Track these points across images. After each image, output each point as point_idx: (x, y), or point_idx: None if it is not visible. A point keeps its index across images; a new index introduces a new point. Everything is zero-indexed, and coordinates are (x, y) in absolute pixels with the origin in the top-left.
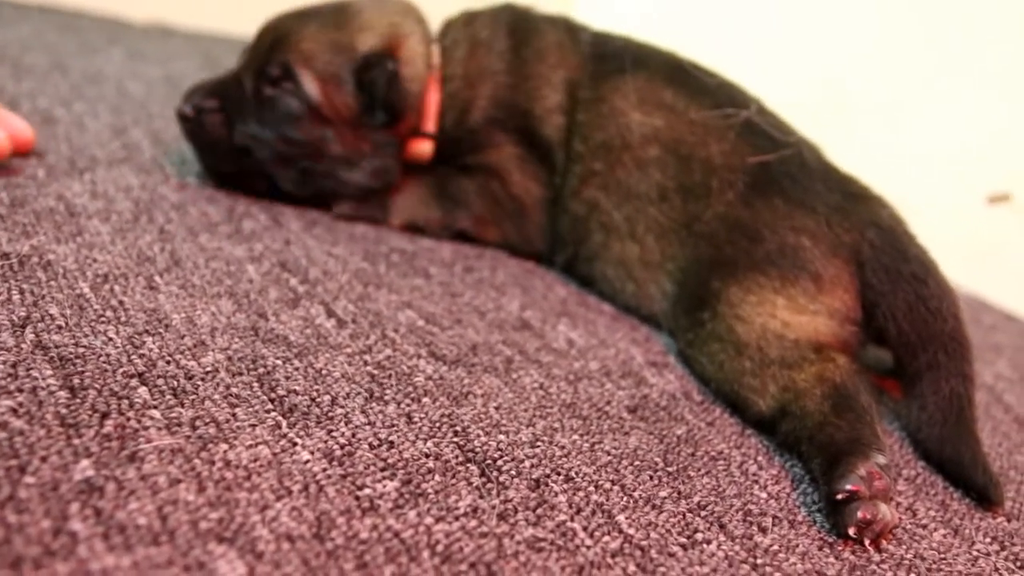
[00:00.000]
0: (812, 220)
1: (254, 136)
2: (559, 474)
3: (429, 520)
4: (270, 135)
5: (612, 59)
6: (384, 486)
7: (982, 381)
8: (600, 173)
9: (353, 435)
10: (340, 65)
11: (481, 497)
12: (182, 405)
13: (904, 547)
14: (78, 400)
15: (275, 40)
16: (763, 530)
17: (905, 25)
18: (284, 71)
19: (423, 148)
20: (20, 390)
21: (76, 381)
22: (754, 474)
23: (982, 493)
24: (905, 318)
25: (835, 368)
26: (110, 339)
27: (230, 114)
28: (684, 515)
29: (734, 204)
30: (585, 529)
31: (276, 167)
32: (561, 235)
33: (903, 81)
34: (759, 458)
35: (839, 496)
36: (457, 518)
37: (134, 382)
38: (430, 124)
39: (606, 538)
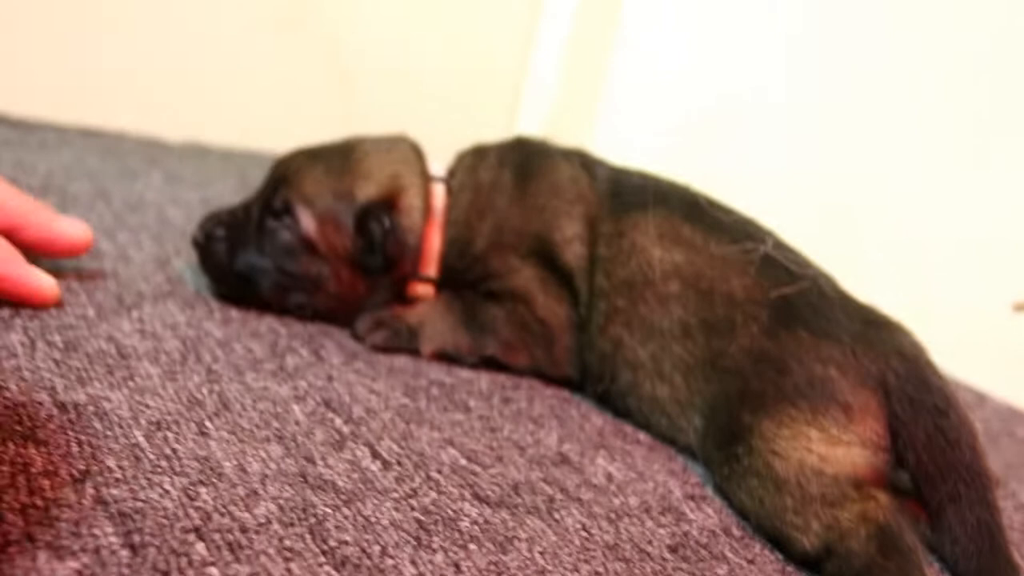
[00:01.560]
0: (838, 350)
1: (253, 265)
2: None
3: None
4: (269, 265)
5: (630, 194)
6: None
7: (1018, 501)
8: (623, 310)
9: None
10: (339, 210)
11: None
12: (239, 560)
13: None
14: (139, 559)
15: (283, 176)
16: None
17: (932, 126)
18: (285, 206)
19: (424, 291)
20: (84, 550)
21: (136, 538)
22: None
23: None
24: (924, 448)
25: (877, 507)
26: (166, 491)
27: (234, 243)
28: None
29: (758, 337)
30: None
31: (274, 296)
32: (591, 369)
33: (929, 184)
34: None
35: None
36: None
37: (191, 537)
38: (431, 268)
39: None
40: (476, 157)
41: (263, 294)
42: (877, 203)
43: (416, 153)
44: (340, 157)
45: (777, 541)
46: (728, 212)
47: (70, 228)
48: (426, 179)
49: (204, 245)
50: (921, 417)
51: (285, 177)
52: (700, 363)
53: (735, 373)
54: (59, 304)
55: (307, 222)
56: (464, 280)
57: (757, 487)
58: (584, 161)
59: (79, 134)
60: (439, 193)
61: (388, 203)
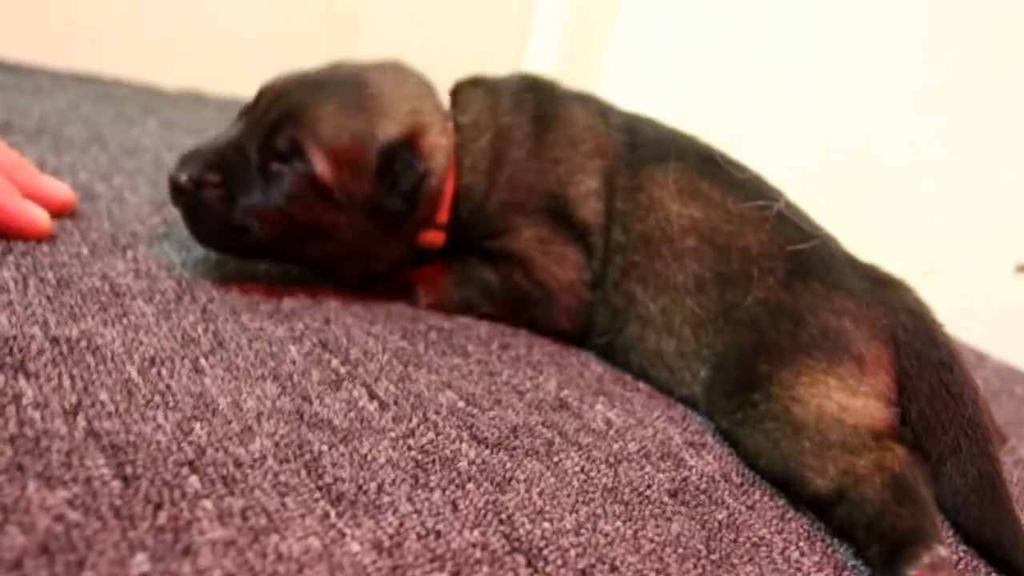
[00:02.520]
0: (851, 302)
1: (258, 214)
2: (604, 563)
3: None
4: (274, 214)
5: (647, 146)
6: None
7: (1017, 456)
8: (639, 265)
9: (401, 524)
10: (359, 151)
11: None
12: (232, 494)
13: None
14: (131, 490)
15: (286, 113)
16: None
17: (937, 94)
18: (294, 148)
19: (434, 238)
20: (75, 480)
21: (129, 470)
22: (796, 561)
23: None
24: (928, 402)
25: (894, 458)
26: (160, 425)
27: (232, 188)
28: None
29: (774, 289)
30: None
31: (277, 248)
32: (598, 323)
33: (934, 149)
34: (801, 544)
35: None
36: None
37: (185, 471)
38: (443, 214)
39: None
40: (487, 97)
41: (264, 246)
42: (881, 168)
43: (427, 86)
44: (351, 91)
45: (788, 481)
46: (741, 169)
47: (52, 187)
48: (443, 116)
49: (193, 192)
50: (926, 371)
51: (291, 113)
52: (712, 316)
53: (749, 324)
54: (52, 240)
55: (321, 165)
56: (468, 235)
57: (774, 430)
58: (599, 107)
59: (74, 80)
60: (449, 130)
61: (410, 143)
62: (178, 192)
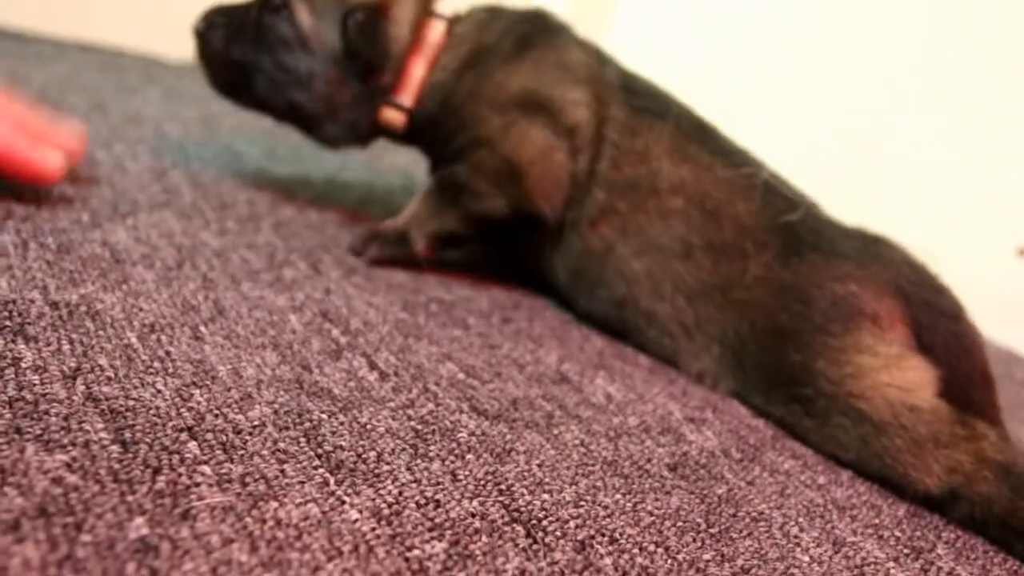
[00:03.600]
0: (851, 266)
1: (248, 56)
2: (604, 535)
3: None
4: (264, 58)
5: (643, 97)
6: (432, 547)
7: (1015, 439)
8: (620, 213)
9: (400, 493)
10: (332, 7)
11: (528, 559)
12: (231, 461)
13: None
14: (130, 455)
15: None
16: None
17: (936, 79)
18: (283, 1)
19: (395, 118)
20: (73, 444)
21: (128, 435)
22: (796, 536)
23: None
24: (943, 353)
25: (991, 447)
26: (159, 391)
27: (232, 32)
28: None
29: (773, 266)
30: None
31: (265, 90)
32: (570, 255)
33: (934, 130)
34: (800, 519)
35: None
36: None
37: (184, 436)
38: (408, 98)
39: None
40: (489, 15)
41: (255, 88)
42: (882, 150)
43: None
44: None
45: (886, 479)
46: (726, 138)
47: (64, 135)
48: (426, 6)
49: (203, 33)
50: (939, 322)
51: None
52: (708, 288)
53: (756, 307)
54: (52, 206)
55: (303, 16)
56: (435, 135)
57: (852, 427)
58: (599, 54)
59: (76, 48)
60: (438, 28)
61: (377, 10)
62: (196, 36)
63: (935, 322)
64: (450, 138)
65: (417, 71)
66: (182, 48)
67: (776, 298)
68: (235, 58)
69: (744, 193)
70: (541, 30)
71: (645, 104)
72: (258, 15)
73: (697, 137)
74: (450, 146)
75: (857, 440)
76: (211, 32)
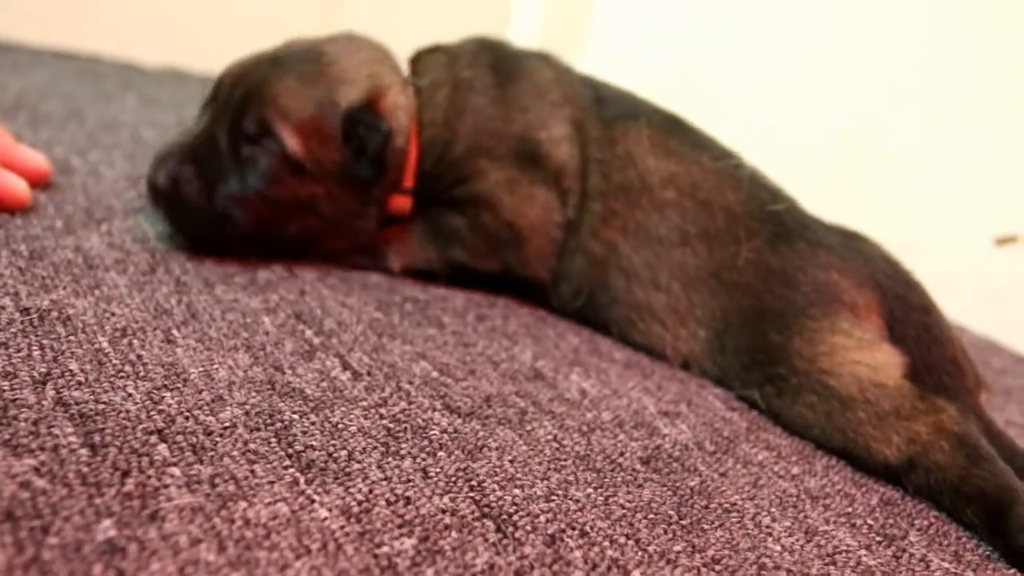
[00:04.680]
0: (834, 256)
1: (238, 200)
2: (574, 529)
3: None
4: (254, 197)
5: (613, 103)
6: (402, 543)
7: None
8: (620, 214)
9: (370, 491)
10: (323, 120)
11: (498, 554)
12: (201, 462)
13: None
14: (99, 458)
15: (248, 94)
16: None
17: (919, 70)
18: (262, 128)
19: (402, 204)
20: (42, 448)
21: (97, 438)
22: (767, 526)
23: None
24: (914, 343)
25: (949, 418)
26: (129, 395)
27: (209, 179)
28: (699, 570)
29: (763, 251)
30: None
31: (262, 231)
32: (574, 276)
33: (912, 123)
34: (772, 510)
35: None
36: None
37: (154, 439)
38: (409, 178)
39: None
40: (445, 56)
41: (249, 232)
42: (865, 143)
43: (383, 51)
44: (308, 63)
45: (848, 452)
46: (700, 131)
47: (29, 157)
48: (402, 80)
49: (171, 189)
50: (910, 315)
51: (253, 94)
52: (703, 274)
53: (744, 288)
54: (26, 213)
55: (291, 140)
56: (437, 188)
57: (819, 403)
58: (557, 64)
59: (52, 56)
60: (410, 94)
61: (372, 106)
62: (159, 194)
63: (907, 315)
64: (447, 188)
65: (412, 147)
66: (159, 53)
67: (764, 281)
68: (222, 209)
69: (732, 183)
70: (504, 55)
71: (616, 111)
72: (232, 148)
73: (674, 132)
74: (447, 193)
75: (823, 416)
76: (185, 187)
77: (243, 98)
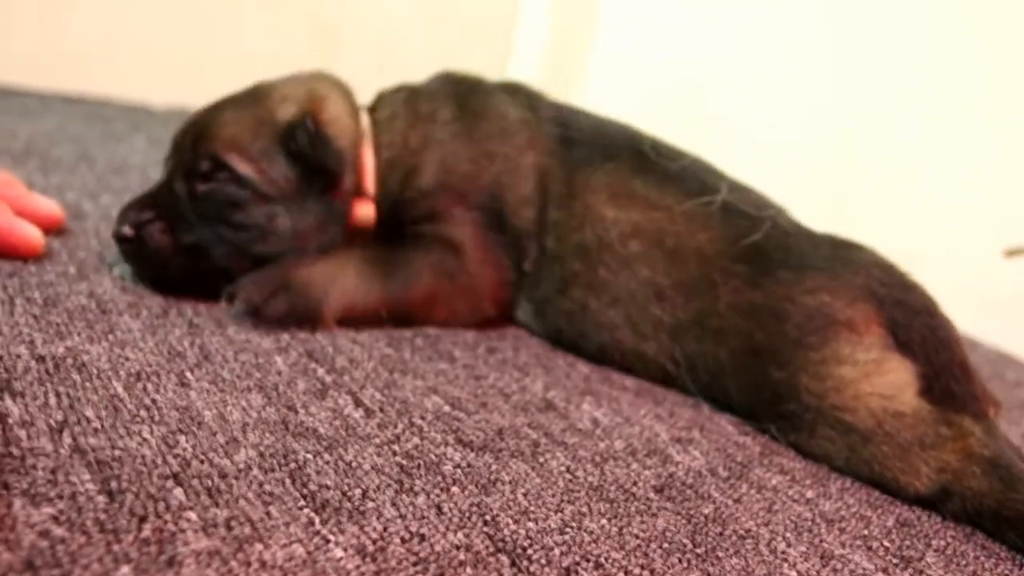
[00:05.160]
0: (822, 277)
1: (200, 237)
2: (588, 560)
3: None
4: (217, 230)
5: (579, 145)
6: None
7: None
8: (581, 274)
9: (385, 529)
10: (266, 139)
11: None
12: (217, 505)
13: None
14: (116, 504)
15: (196, 137)
16: None
17: (922, 78)
18: (213, 163)
19: (367, 212)
20: (60, 496)
21: (114, 484)
22: (783, 552)
23: None
24: (920, 348)
25: (977, 442)
26: (145, 440)
27: (170, 223)
28: None
29: (742, 290)
30: None
31: (231, 261)
32: (559, 326)
33: (919, 133)
34: (787, 535)
35: None
36: None
37: (170, 483)
38: (369, 185)
39: None
40: (405, 92)
41: (217, 264)
42: (868, 153)
43: (331, 78)
44: (247, 97)
45: (878, 483)
46: (676, 157)
47: (42, 205)
48: (347, 96)
49: (134, 237)
50: (913, 319)
51: (200, 135)
52: (686, 324)
53: (732, 332)
54: (39, 260)
55: (242, 167)
56: (402, 216)
57: (838, 438)
58: (528, 99)
59: (61, 100)
60: (364, 120)
61: (310, 116)
62: (125, 242)
63: (909, 319)
64: (416, 221)
65: (368, 160)
66: (167, 94)
67: (749, 320)
68: (187, 244)
69: (702, 222)
70: (469, 89)
71: (581, 155)
72: (188, 188)
73: (640, 169)
74: (412, 228)
75: (845, 449)
76: (147, 229)
77: (192, 142)
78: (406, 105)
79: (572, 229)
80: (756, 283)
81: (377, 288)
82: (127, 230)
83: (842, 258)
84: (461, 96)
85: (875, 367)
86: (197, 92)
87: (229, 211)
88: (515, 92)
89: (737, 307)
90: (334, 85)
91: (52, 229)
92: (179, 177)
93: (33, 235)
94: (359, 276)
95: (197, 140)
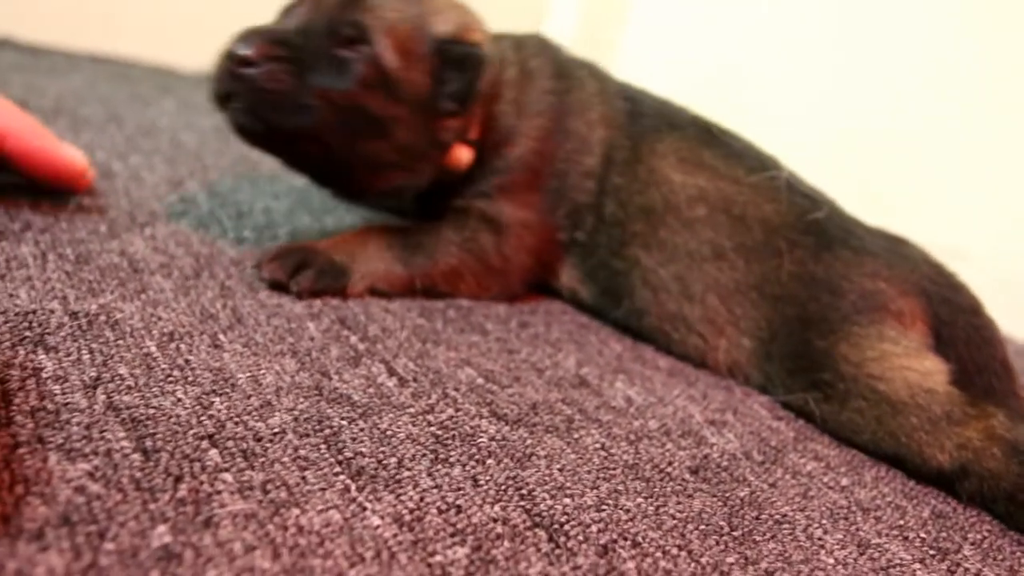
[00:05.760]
0: (879, 264)
1: (324, 94)
2: (626, 539)
3: None
4: (342, 96)
5: (646, 117)
6: (455, 552)
7: None
8: (641, 234)
9: (421, 499)
10: (418, 41)
11: (551, 564)
12: (252, 468)
13: None
14: (152, 463)
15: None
16: None
17: (960, 72)
18: (360, 33)
19: (465, 156)
20: (95, 453)
21: (149, 443)
22: (820, 538)
23: None
24: (964, 346)
25: (1000, 424)
26: (179, 399)
27: (300, 67)
28: None
29: (806, 261)
30: None
31: (332, 136)
32: (606, 290)
33: (959, 129)
34: (823, 521)
35: None
36: None
37: (205, 444)
38: (475, 130)
39: None
40: (510, 41)
41: (320, 132)
42: (905, 149)
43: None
44: None
45: (900, 458)
46: (737, 139)
47: (74, 155)
48: (488, 34)
49: (256, 63)
50: (958, 317)
51: (353, 0)
52: (743, 287)
53: (788, 299)
54: (70, 217)
55: (387, 52)
56: (465, 191)
57: (868, 408)
58: (600, 75)
59: (89, 60)
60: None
61: (469, 40)
62: (239, 63)
63: (955, 317)
64: (472, 195)
65: (482, 104)
66: (196, 58)
67: (807, 290)
68: (308, 101)
69: (769, 195)
70: (562, 61)
71: (648, 124)
72: (328, 47)
73: (708, 144)
74: (458, 200)
75: (873, 421)
76: (272, 65)
77: (343, 2)
78: (515, 54)
79: (635, 192)
80: (819, 256)
81: (400, 265)
82: (250, 52)
83: (898, 252)
84: (556, 60)
85: (914, 351)
86: None
87: (360, 88)
88: (591, 68)
89: (799, 276)
90: (478, 20)
91: (81, 186)
92: (319, 28)
93: (80, 161)
94: (383, 252)
95: (348, 2)
